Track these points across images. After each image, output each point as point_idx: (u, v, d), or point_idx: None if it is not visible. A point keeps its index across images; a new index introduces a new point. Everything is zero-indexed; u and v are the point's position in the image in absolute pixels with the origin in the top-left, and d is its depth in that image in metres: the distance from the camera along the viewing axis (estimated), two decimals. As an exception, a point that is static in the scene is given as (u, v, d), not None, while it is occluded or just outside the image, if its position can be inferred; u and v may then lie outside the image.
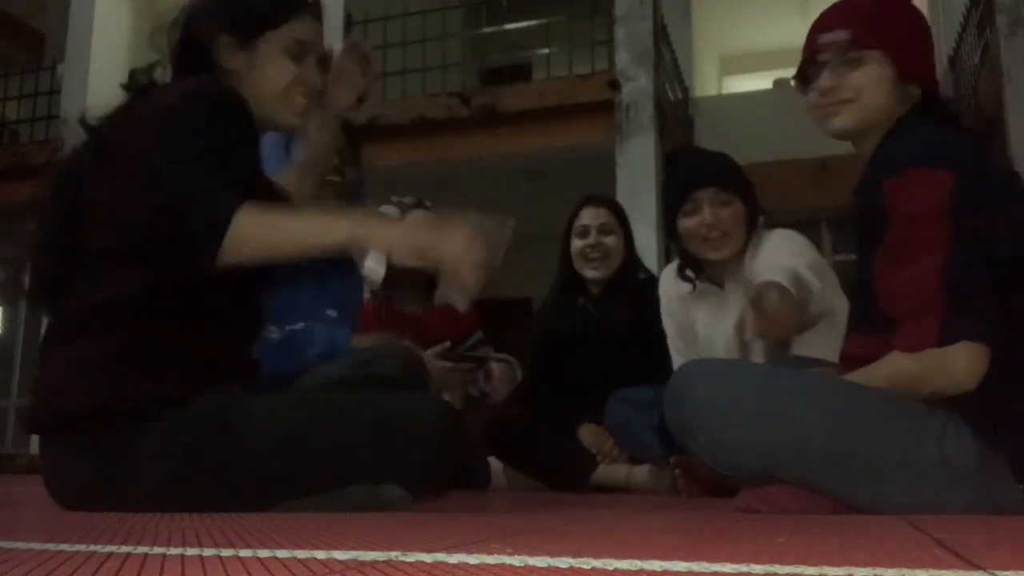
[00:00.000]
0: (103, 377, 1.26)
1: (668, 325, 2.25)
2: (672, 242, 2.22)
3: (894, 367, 1.25)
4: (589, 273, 2.58)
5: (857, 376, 1.30)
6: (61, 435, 1.30)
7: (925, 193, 1.23)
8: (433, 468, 1.37)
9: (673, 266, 2.26)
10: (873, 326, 1.31)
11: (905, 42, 1.41)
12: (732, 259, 2.06)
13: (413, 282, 2.58)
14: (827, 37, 1.42)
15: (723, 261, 2.07)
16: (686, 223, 2.06)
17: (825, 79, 1.42)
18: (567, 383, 2.58)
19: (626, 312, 2.53)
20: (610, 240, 2.58)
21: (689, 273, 2.15)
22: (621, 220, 2.66)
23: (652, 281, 2.61)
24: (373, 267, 1.23)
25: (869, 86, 1.38)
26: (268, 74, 1.42)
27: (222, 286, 1.30)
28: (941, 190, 1.22)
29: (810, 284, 1.80)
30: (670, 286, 2.23)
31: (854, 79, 1.39)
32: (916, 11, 1.46)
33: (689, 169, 2.15)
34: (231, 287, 1.32)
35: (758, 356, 1.98)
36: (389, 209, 2.50)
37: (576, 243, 2.60)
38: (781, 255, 1.92)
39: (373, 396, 1.40)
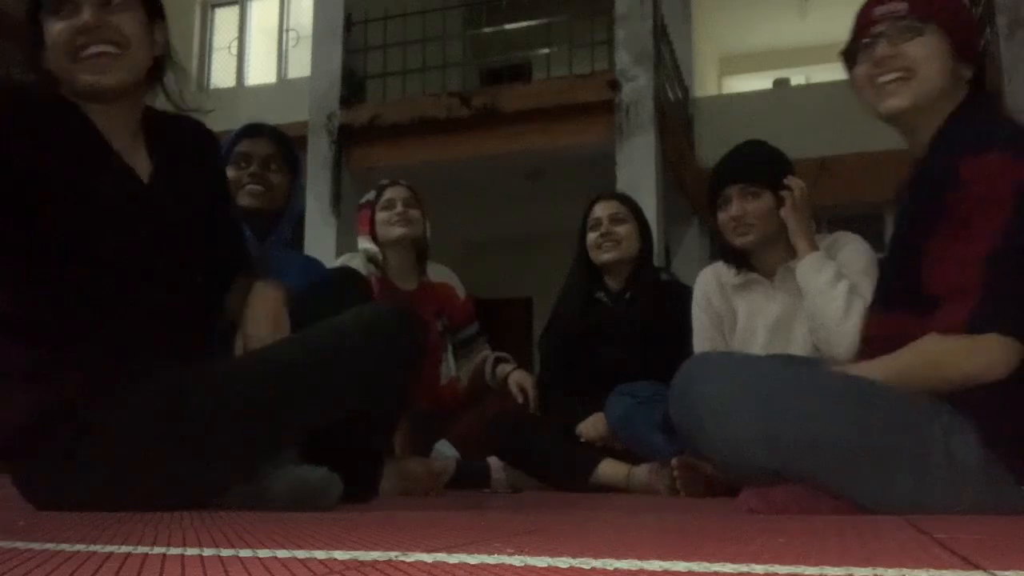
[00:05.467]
0: (19, 384, 1.28)
1: (699, 320, 2.27)
2: (715, 237, 2.27)
3: (924, 347, 1.24)
4: (603, 257, 2.62)
5: (889, 358, 1.29)
6: (18, 446, 1.31)
7: (999, 179, 1.22)
8: (397, 370, 1.44)
9: (716, 264, 2.30)
10: (902, 304, 1.30)
11: (959, 19, 1.39)
12: (780, 252, 2.11)
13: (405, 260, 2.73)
14: (883, 8, 1.41)
15: (773, 253, 2.11)
16: (720, 217, 2.16)
17: (881, 48, 1.40)
18: (581, 380, 2.59)
19: (644, 308, 2.55)
20: (622, 228, 2.63)
21: (729, 265, 2.21)
22: (634, 211, 2.70)
23: (675, 284, 2.69)
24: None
25: (927, 58, 1.37)
26: (49, 46, 1.31)
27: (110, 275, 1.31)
28: (1014, 179, 1.21)
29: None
30: (710, 280, 2.26)
31: (911, 49, 1.37)
32: None
33: (720, 167, 2.21)
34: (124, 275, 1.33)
35: (797, 347, 2.02)
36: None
37: (590, 236, 2.65)
38: (858, 268, 1.96)
39: (324, 322, 1.41)
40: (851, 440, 1.24)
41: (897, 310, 1.32)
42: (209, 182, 1.52)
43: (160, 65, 1.43)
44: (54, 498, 1.29)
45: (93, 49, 1.30)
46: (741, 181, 2.12)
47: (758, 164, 2.16)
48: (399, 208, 2.68)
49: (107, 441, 1.26)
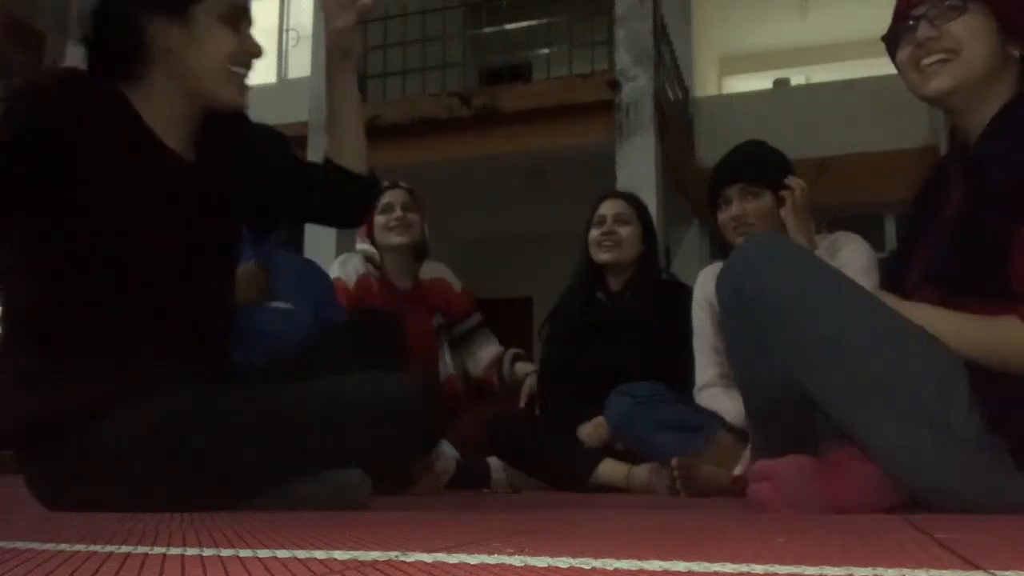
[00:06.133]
0: (35, 387, 1.28)
1: (699, 320, 2.27)
2: (715, 238, 2.27)
3: (1012, 331, 1.22)
4: (602, 257, 2.61)
5: (968, 321, 1.26)
6: (24, 447, 1.31)
7: None
8: (408, 448, 1.44)
9: (716, 264, 2.30)
10: (973, 291, 1.28)
11: None
12: None
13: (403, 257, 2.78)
14: None
15: None
16: (720, 216, 2.17)
17: (924, 30, 1.36)
18: (577, 379, 2.59)
19: (643, 307, 2.55)
20: (625, 230, 2.62)
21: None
22: (640, 213, 2.69)
23: (674, 284, 2.70)
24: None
25: (971, 37, 1.33)
26: (207, 47, 1.34)
27: (150, 279, 1.32)
28: None
29: None
30: (710, 280, 2.26)
31: (955, 28, 1.34)
32: None
33: (720, 167, 2.21)
34: (163, 279, 1.33)
35: None
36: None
37: (593, 233, 2.64)
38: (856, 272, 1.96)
39: (346, 379, 1.40)
40: (862, 354, 1.23)
41: (965, 296, 1.29)
42: (251, 154, 1.52)
43: None
44: (65, 499, 1.30)
45: (245, 71, 1.38)
46: (741, 181, 2.12)
47: (758, 164, 2.16)
48: (397, 212, 2.69)
49: (118, 447, 1.26)
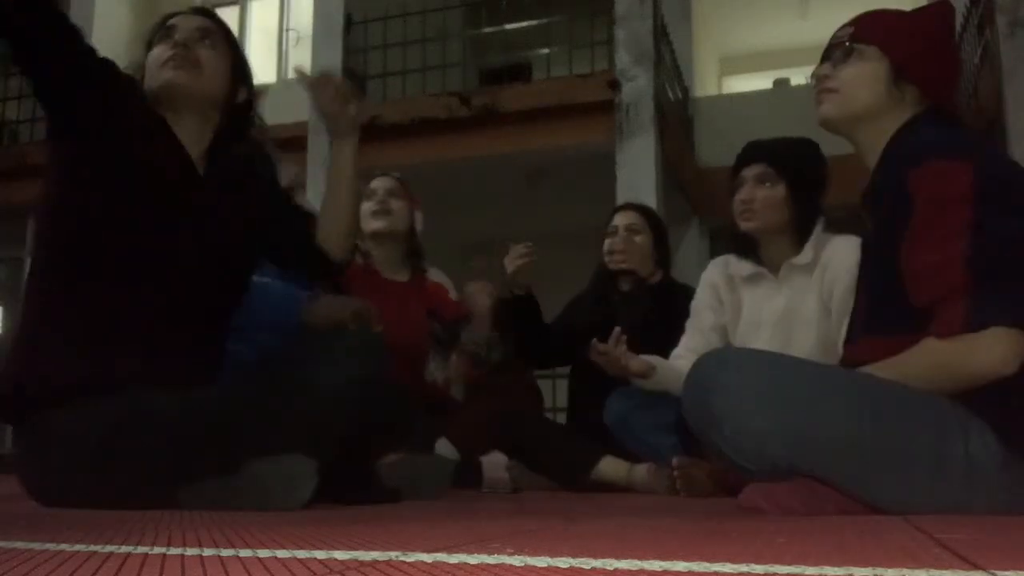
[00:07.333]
0: (15, 361, 1.37)
1: (699, 299, 2.29)
2: (715, 238, 2.30)
3: (928, 354, 1.24)
4: (614, 264, 2.75)
5: (890, 366, 1.27)
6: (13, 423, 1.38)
7: (946, 182, 1.26)
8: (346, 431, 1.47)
9: (724, 257, 2.32)
10: (890, 326, 1.31)
11: (905, 44, 1.45)
12: (784, 247, 2.13)
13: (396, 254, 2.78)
14: (838, 33, 1.52)
15: (777, 246, 2.14)
16: (734, 199, 2.18)
17: (820, 68, 1.51)
18: (580, 377, 2.65)
19: (646, 308, 2.64)
20: (636, 239, 2.77)
21: (740, 261, 2.23)
22: (652, 223, 2.85)
23: (675, 284, 2.79)
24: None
25: (855, 79, 1.46)
26: (148, 69, 1.56)
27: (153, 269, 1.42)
28: (963, 178, 1.25)
29: None
30: (717, 273, 2.29)
31: (844, 70, 1.47)
32: (939, 28, 1.49)
33: (747, 145, 2.24)
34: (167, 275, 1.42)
35: (799, 345, 2.04)
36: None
37: (606, 242, 2.80)
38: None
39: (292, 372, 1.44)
40: (870, 437, 1.23)
41: (896, 333, 1.31)
42: (260, 192, 1.67)
43: (240, 120, 1.64)
44: (41, 489, 1.35)
45: (175, 62, 1.53)
46: (757, 162, 2.13)
47: (782, 150, 2.17)
48: (380, 196, 2.70)
49: (64, 438, 1.32)
